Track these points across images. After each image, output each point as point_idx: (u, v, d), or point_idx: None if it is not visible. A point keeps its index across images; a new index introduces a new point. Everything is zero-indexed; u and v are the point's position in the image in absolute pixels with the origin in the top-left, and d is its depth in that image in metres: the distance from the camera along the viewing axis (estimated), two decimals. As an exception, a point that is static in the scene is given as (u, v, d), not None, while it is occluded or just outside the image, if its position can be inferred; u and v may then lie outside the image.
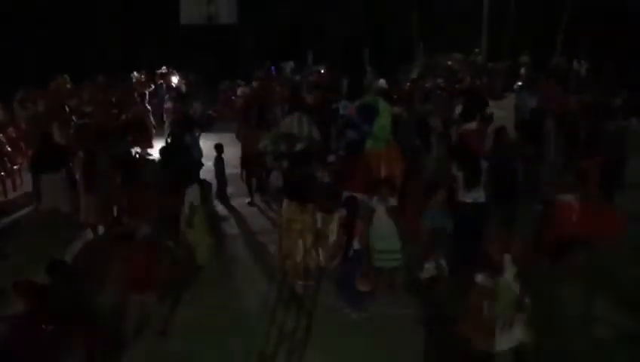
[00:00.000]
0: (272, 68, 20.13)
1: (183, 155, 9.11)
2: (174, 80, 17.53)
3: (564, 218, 6.65)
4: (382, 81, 14.51)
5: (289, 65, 21.23)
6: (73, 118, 11.49)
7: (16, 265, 7.51)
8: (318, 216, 7.04)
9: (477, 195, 6.96)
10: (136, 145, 11.32)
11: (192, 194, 7.48)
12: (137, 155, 10.44)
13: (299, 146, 8.31)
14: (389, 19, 25.12)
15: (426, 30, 25.11)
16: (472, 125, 9.84)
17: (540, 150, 9.64)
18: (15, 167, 11.05)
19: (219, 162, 9.98)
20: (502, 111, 11.40)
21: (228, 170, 10.31)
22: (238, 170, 10.67)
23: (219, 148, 9.94)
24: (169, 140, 10.21)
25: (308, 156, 7.68)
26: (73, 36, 20.82)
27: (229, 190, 10.25)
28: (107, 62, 18.33)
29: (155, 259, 6.01)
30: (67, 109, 11.59)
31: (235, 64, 20.20)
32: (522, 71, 17.47)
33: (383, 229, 6.53)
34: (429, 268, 6.59)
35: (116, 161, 8.58)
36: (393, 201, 6.74)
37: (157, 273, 5.96)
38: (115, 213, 8.71)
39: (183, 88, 17.09)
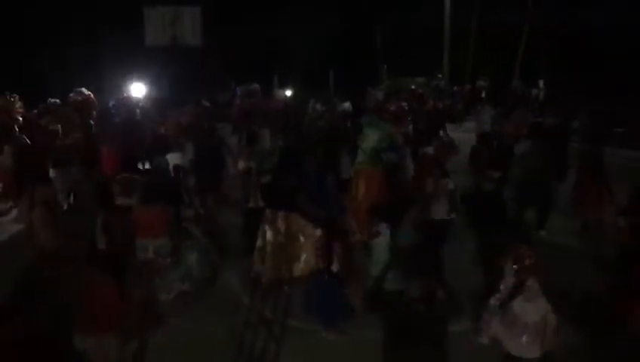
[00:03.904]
0: (237, 89, 20.13)
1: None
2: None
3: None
4: (347, 105, 14.70)
5: (254, 88, 21.25)
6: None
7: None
8: (300, 227, 7.13)
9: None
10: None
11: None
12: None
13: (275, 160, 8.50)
14: (353, 43, 25.49)
15: (389, 54, 25.57)
16: (430, 149, 10.07)
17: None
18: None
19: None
20: (463, 134, 11.70)
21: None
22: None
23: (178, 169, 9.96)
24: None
25: (290, 169, 7.80)
26: (35, 58, 20.49)
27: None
28: (70, 84, 17.95)
29: (118, 294, 5.24)
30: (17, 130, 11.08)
31: (201, 86, 20.16)
32: (482, 94, 17.94)
33: (380, 254, 6.65)
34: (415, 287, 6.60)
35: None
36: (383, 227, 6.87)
37: (119, 311, 5.22)
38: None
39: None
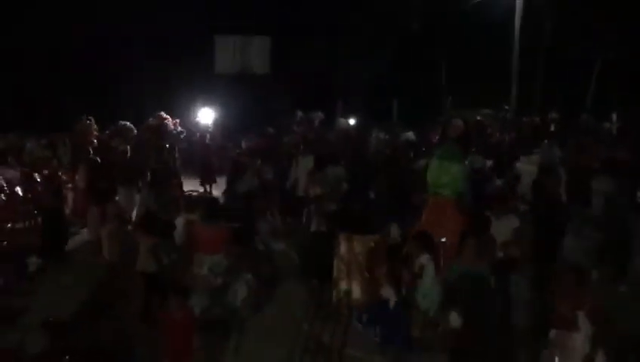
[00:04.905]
0: (298, 116, 20.35)
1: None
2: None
3: None
4: (410, 134, 14.65)
5: (318, 116, 21.48)
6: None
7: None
8: (370, 254, 7.06)
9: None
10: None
11: None
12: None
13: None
14: (417, 73, 25.47)
15: (454, 84, 25.36)
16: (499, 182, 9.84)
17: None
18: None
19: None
20: (531, 166, 11.40)
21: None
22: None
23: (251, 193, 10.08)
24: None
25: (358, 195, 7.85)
26: (106, 83, 21.39)
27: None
28: (139, 110, 18.74)
29: (193, 322, 5.49)
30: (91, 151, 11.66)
31: (267, 114, 20.55)
32: (552, 127, 17.48)
33: (427, 286, 6.42)
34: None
35: None
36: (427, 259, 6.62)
37: (193, 339, 5.40)
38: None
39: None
